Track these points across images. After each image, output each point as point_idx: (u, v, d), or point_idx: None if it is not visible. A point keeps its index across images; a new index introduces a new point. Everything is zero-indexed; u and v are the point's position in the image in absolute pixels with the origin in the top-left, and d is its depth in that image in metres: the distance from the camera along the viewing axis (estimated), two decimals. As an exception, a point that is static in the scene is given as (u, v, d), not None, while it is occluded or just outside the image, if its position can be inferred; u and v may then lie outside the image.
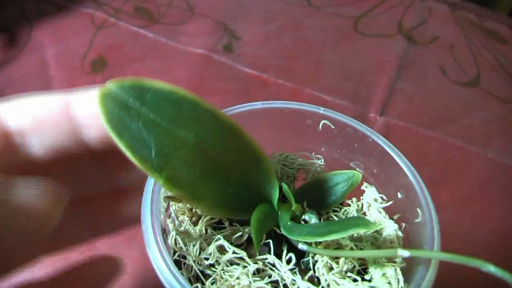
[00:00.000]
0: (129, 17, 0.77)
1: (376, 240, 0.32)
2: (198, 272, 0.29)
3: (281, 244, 0.32)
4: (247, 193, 0.32)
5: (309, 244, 0.30)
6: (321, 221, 0.34)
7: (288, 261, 0.30)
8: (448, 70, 0.72)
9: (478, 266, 0.23)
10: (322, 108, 0.36)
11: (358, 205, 0.35)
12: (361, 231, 0.30)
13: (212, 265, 0.30)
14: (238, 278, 0.28)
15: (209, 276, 0.29)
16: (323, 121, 0.36)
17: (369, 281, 0.30)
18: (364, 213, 0.35)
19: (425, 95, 0.68)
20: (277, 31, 0.77)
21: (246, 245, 0.32)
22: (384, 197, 0.35)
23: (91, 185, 0.37)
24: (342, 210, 0.35)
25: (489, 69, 0.72)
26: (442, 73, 0.72)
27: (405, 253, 0.26)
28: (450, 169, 0.60)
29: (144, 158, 0.27)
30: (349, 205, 0.36)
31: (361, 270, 0.30)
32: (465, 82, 0.70)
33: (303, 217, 0.33)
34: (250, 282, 0.28)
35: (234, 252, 0.30)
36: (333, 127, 0.36)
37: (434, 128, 0.63)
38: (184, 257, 0.30)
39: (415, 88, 0.69)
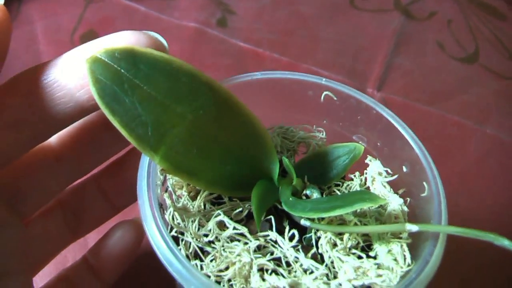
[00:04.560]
0: (120, -9, 0.76)
1: (381, 216, 0.31)
2: (197, 249, 0.28)
3: (282, 220, 0.31)
4: (246, 169, 0.31)
5: (312, 220, 0.29)
6: (323, 196, 0.33)
7: (291, 238, 0.29)
8: (446, 45, 0.71)
9: (491, 240, 0.23)
10: (324, 79, 0.35)
11: (361, 180, 0.34)
12: (367, 206, 0.29)
13: (211, 242, 0.29)
14: (239, 255, 0.27)
15: (208, 253, 0.28)
16: (325, 93, 0.35)
17: (374, 258, 0.29)
18: (368, 188, 0.34)
19: (422, 71, 0.67)
20: (272, 5, 0.75)
21: (246, 221, 0.31)
22: (389, 170, 0.34)
23: (108, 149, 0.36)
24: (345, 184, 0.34)
25: (488, 45, 0.72)
26: (440, 48, 0.71)
27: (414, 227, 0.25)
28: (447, 145, 0.59)
29: (140, 137, 0.26)
30: (352, 180, 0.35)
31: (365, 246, 0.30)
32: (463, 58, 0.69)
33: (304, 192, 0.32)
34: (252, 259, 0.27)
35: (234, 228, 0.29)
36: (335, 98, 0.35)
37: (432, 104, 0.63)
38: (182, 234, 0.29)
39: (412, 63, 0.68)
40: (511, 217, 0.53)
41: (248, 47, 0.68)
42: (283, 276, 0.27)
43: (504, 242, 0.22)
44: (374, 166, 0.34)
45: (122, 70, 0.26)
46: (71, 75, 0.28)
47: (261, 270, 0.27)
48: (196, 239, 0.29)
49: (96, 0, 0.74)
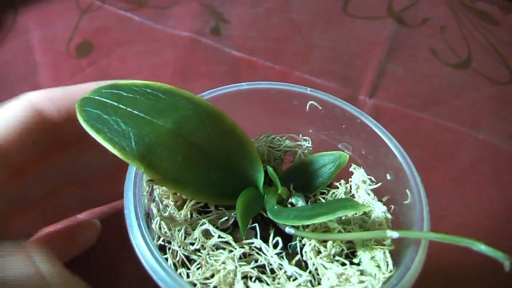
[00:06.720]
0: (115, 1, 0.76)
1: (365, 223, 0.31)
2: (183, 257, 0.29)
3: (268, 228, 0.32)
4: (231, 178, 0.31)
5: (296, 227, 0.30)
6: (309, 204, 0.33)
7: (275, 245, 0.29)
8: (439, 51, 0.71)
9: (468, 246, 0.23)
10: (309, 89, 0.35)
11: (346, 187, 0.35)
12: (350, 213, 0.30)
13: (198, 250, 0.29)
14: (224, 262, 0.28)
15: (195, 261, 0.29)
16: (310, 102, 0.35)
17: (358, 264, 0.29)
18: (353, 195, 0.34)
19: (415, 77, 0.68)
20: (265, 13, 0.76)
21: (232, 229, 0.31)
22: (373, 178, 0.34)
23: (87, 167, 0.39)
24: (330, 192, 0.35)
25: (480, 51, 0.72)
26: (432, 54, 0.71)
27: (394, 234, 0.26)
28: (440, 150, 0.59)
29: (124, 148, 0.27)
30: (338, 188, 0.35)
31: (349, 253, 0.30)
32: (456, 64, 0.70)
33: (289, 200, 0.33)
34: (236, 267, 0.27)
35: (219, 237, 0.29)
36: (320, 108, 0.35)
37: (425, 110, 0.63)
38: (169, 242, 0.29)
39: (405, 70, 0.68)
40: (504, 222, 0.53)
41: (242, 55, 0.68)
42: (267, 283, 0.27)
43: (481, 247, 0.23)
44: (358, 174, 0.35)
45: (106, 100, 0.29)
46: None
47: (245, 277, 0.28)
48: (183, 248, 0.29)
49: (91, 10, 0.75)
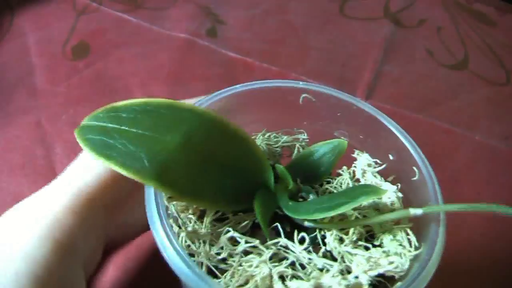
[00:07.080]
0: (112, 2, 0.76)
1: (378, 205, 0.32)
2: (212, 267, 0.28)
3: (284, 224, 0.32)
4: (244, 181, 0.31)
5: (315, 220, 0.30)
6: (319, 195, 0.34)
7: (301, 241, 0.29)
8: (436, 52, 0.71)
9: (495, 210, 0.23)
10: (301, 82, 0.35)
11: (350, 173, 0.35)
12: (372, 199, 0.30)
13: (225, 259, 0.29)
14: (257, 266, 0.27)
15: (224, 270, 0.28)
16: (303, 95, 0.35)
17: (380, 246, 0.29)
18: (358, 180, 0.35)
19: (412, 78, 0.68)
20: (262, 15, 0.76)
21: (251, 232, 0.31)
22: (378, 161, 0.35)
23: None
24: (336, 180, 0.35)
25: (477, 52, 0.72)
26: (429, 55, 0.71)
27: (418, 211, 0.27)
28: (437, 152, 0.59)
29: (139, 170, 0.26)
30: (341, 175, 0.35)
31: (368, 237, 0.30)
32: (453, 65, 0.70)
33: (300, 194, 0.33)
34: (271, 269, 0.27)
35: (246, 242, 0.29)
36: (313, 100, 0.35)
37: (421, 111, 0.63)
38: (192, 255, 0.29)
39: (402, 71, 0.68)
40: (501, 223, 0.53)
41: (238, 57, 0.68)
42: (302, 279, 0.27)
43: (510, 211, 0.23)
44: (363, 159, 0.35)
45: (106, 124, 0.28)
46: None
47: (280, 277, 0.27)
48: (209, 259, 0.28)
49: (87, 12, 0.75)
